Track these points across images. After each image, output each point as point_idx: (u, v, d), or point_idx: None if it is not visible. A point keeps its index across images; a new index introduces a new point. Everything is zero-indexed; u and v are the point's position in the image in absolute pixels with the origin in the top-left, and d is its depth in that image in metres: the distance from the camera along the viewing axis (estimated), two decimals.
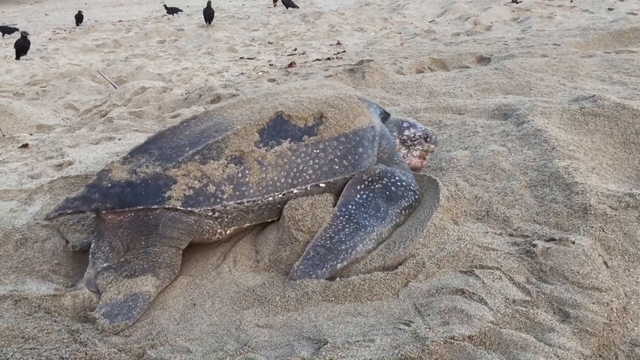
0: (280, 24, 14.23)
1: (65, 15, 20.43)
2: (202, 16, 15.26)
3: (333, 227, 2.93)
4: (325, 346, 2.22)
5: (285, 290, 2.64)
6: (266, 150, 3.03)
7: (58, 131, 5.74)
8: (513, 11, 11.72)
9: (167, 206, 2.86)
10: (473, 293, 2.42)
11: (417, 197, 3.18)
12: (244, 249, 3.04)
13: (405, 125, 3.67)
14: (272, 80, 6.79)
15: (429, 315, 2.35)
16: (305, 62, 8.45)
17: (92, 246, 2.92)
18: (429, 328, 2.26)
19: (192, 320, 2.59)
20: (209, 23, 14.61)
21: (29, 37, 11.72)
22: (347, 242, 2.84)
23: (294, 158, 3.06)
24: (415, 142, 3.64)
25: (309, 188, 3.09)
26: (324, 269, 2.73)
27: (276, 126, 3.11)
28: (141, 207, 2.86)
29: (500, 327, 2.25)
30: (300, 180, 3.06)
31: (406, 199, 3.13)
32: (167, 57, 10.63)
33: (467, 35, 9.81)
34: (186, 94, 6.64)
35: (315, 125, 3.14)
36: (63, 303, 2.67)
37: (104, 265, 2.85)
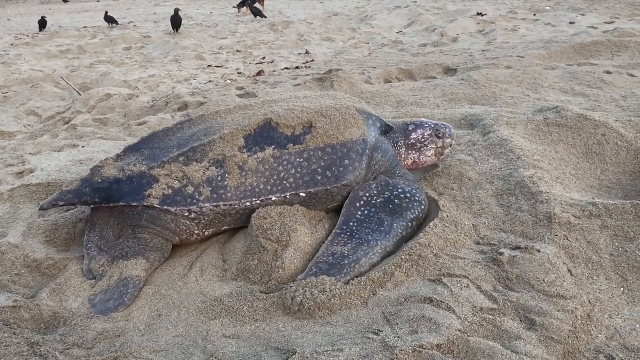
0: (248, 32, 14.20)
1: (29, 21, 20.00)
2: (169, 23, 15.12)
3: (335, 243, 2.89)
4: (294, 356, 2.20)
5: (254, 300, 2.61)
6: (248, 156, 3.04)
7: (19, 138, 5.59)
8: (478, 23, 11.94)
9: (145, 204, 2.95)
10: (441, 301, 2.43)
11: (423, 207, 3.12)
12: (211, 259, 3.00)
13: (411, 128, 3.57)
14: (241, 89, 6.76)
15: (397, 324, 2.35)
16: (274, 71, 8.44)
17: (85, 238, 3.08)
18: (398, 337, 2.25)
19: (157, 331, 2.54)
20: (177, 30, 14.47)
21: None
22: (351, 257, 2.79)
23: (275, 165, 3.05)
24: (427, 142, 3.54)
25: (288, 196, 3.07)
26: None
27: (263, 133, 3.11)
28: (124, 204, 2.99)
29: (468, 336, 2.26)
30: (280, 188, 3.05)
31: (412, 211, 3.06)
32: (133, 64, 10.48)
33: (434, 46, 9.94)
34: (153, 101, 6.55)
35: (302, 134, 3.13)
36: (23, 315, 2.59)
37: (97, 252, 3.01)
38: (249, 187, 3.02)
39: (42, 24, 16.78)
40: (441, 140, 3.56)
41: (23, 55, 11.79)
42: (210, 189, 2.99)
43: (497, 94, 5.42)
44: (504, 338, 2.27)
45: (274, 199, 3.06)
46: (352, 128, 3.22)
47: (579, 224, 2.91)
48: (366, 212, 3.04)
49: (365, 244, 2.86)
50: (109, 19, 17.31)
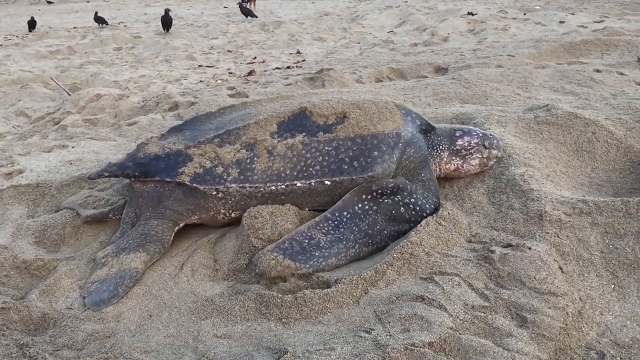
0: (239, 32, 14.17)
1: (18, 21, 19.86)
2: (159, 23, 15.07)
3: (318, 227, 2.92)
4: (285, 356, 2.19)
5: (245, 300, 2.60)
6: (278, 141, 3.09)
7: (8, 139, 5.55)
8: (469, 23, 11.98)
9: (177, 180, 3.06)
10: (433, 299, 2.43)
11: None
12: (202, 258, 2.99)
13: (458, 134, 3.46)
14: (232, 89, 6.74)
15: (389, 322, 2.35)
16: (265, 71, 8.42)
17: (124, 211, 3.28)
18: (390, 335, 2.25)
19: (148, 331, 2.52)
20: (167, 30, 14.42)
21: None
22: (324, 250, 2.82)
23: (303, 152, 3.08)
24: (472, 151, 3.41)
25: (313, 184, 3.07)
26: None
27: (296, 120, 3.18)
28: (159, 179, 3.11)
29: (459, 333, 2.26)
30: (305, 174, 3.06)
31: (411, 224, 3.00)
32: (123, 65, 10.43)
33: (425, 45, 9.96)
34: (143, 101, 6.51)
35: (335, 123, 3.16)
36: (11, 316, 2.57)
37: (129, 228, 3.17)
38: (275, 171, 3.05)
39: (32, 24, 16.67)
40: (487, 150, 3.43)
41: (12, 55, 11.71)
42: (238, 170, 3.05)
43: (487, 92, 5.43)
44: (495, 335, 2.27)
45: (298, 184, 3.07)
46: (386, 121, 3.21)
47: (569, 221, 2.92)
48: (366, 207, 3.01)
49: (344, 242, 2.87)
50: (99, 19, 17.20)
